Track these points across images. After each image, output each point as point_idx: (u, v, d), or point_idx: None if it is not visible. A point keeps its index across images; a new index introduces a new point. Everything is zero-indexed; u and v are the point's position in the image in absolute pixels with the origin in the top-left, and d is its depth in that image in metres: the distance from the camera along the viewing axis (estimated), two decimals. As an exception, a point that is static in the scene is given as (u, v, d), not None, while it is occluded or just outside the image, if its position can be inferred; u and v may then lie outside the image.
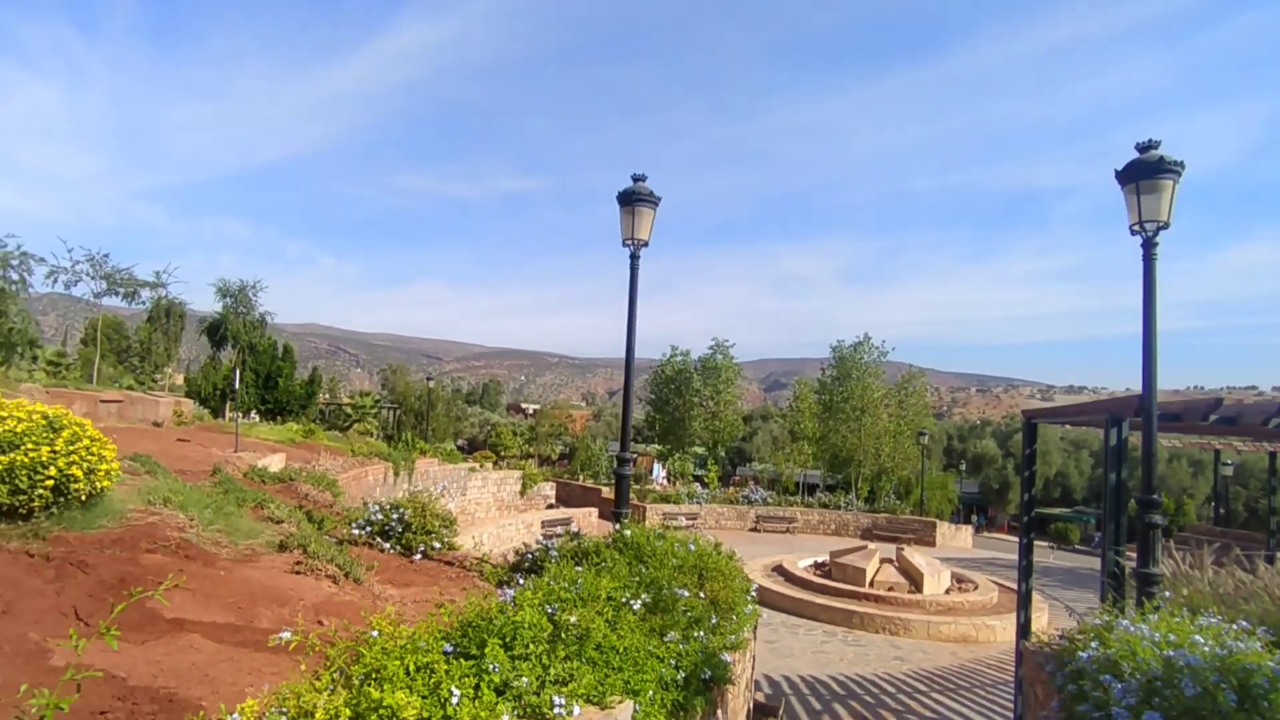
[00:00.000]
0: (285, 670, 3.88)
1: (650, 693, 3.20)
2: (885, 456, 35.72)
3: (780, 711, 8.73)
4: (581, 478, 35.45)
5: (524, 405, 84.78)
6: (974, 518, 49.35)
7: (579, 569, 4.13)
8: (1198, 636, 3.55)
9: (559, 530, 22.98)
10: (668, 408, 40.64)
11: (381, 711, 2.15)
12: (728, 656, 4.67)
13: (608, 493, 29.74)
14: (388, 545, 7.48)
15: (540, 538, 7.38)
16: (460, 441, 53.91)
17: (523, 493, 25.39)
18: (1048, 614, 15.86)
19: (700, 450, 44.80)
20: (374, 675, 2.33)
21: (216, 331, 25.49)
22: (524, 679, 2.61)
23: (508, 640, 2.76)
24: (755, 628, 6.41)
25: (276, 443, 18.18)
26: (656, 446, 43.33)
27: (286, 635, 2.48)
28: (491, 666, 2.57)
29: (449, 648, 2.65)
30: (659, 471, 45.40)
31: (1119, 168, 5.86)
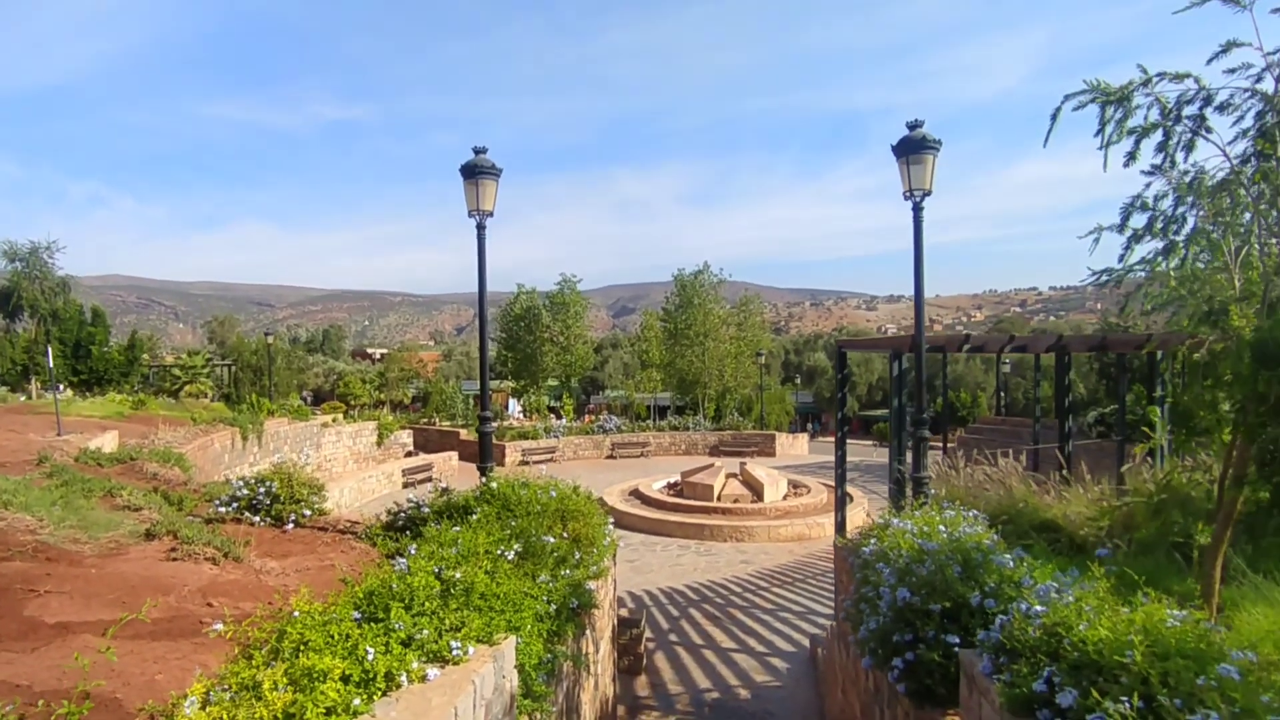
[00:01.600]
0: (188, 654, 4.20)
1: (529, 626, 3.90)
2: (728, 377, 38.24)
3: (642, 622, 9.84)
4: (438, 421, 35.27)
5: (370, 350, 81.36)
6: (809, 425, 53.98)
7: (456, 529, 4.70)
8: (941, 526, 4.70)
9: (420, 478, 23.14)
10: (519, 345, 40.92)
11: (314, 674, 2.67)
12: (591, 585, 5.47)
13: (466, 435, 29.94)
14: (257, 519, 7.61)
15: (409, 494, 7.72)
16: (305, 394, 51.42)
17: (379, 443, 25.11)
18: (867, 506, 18.21)
19: (554, 383, 45.62)
20: (301, 646, 2.83)
21: (8, 301, 22.57)
22: (425, 631, 3.20)
23: (407, 602, 3.32)
24: (614, 555, 7.27)
25: (104, 419, 16.85)
26: (510, 383, 43.63)
27: (219, 627, 2.91)
28: (397, 625, 3.13)
29: (357, 615, 3.18)
30: (514, 407, 45.83)
31: (895, 143, 6.94)
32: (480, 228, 7.41)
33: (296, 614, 2.96)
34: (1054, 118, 4.18)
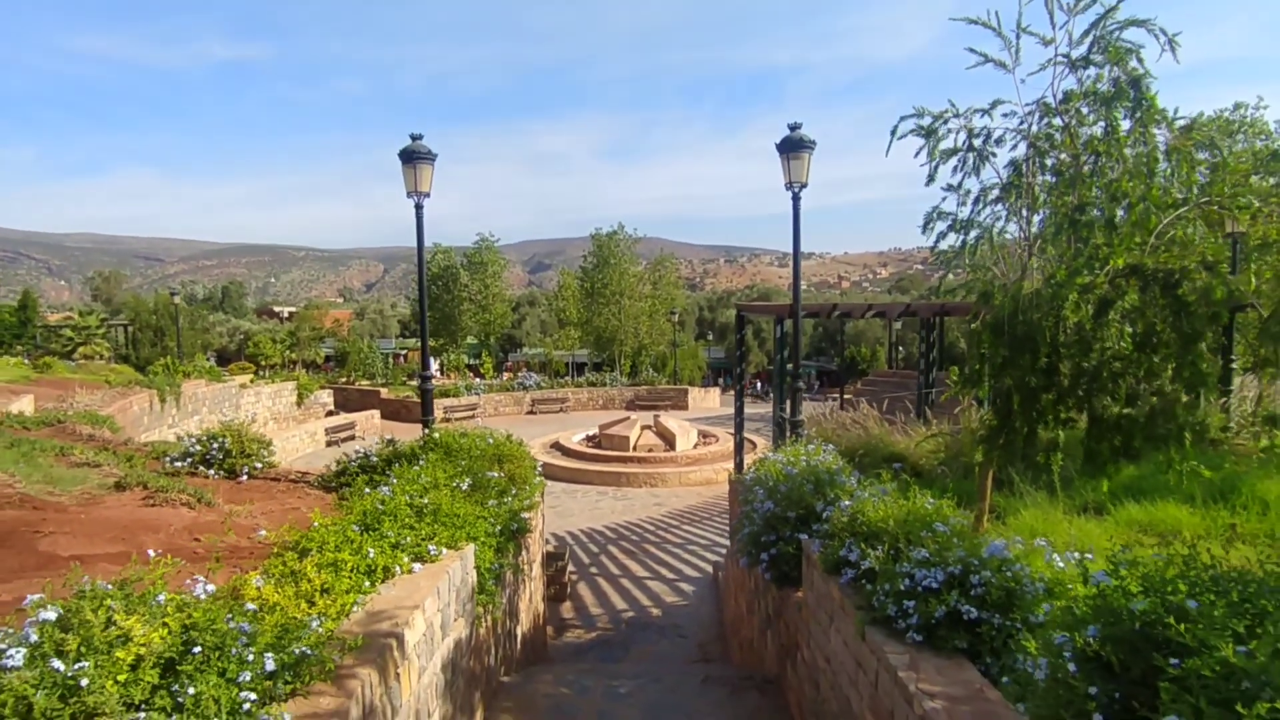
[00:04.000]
0: (196, 573, 5.09)
1: (482, 539, 5.00)
2: (644, 334, 39.66)
3: (566, 556, 11.08)
4: (356, 380, 35.25)
5: (276, 308, 78.57)
6: (721, 380, 56.25)
7: (416, 468, 5.71)
8: (803, 457, 6.02)
9: (343, 436, 23.53)
10: (438, 304, 41.02)
11: (336, 564, 3.69)
12: (526, 515, 6.58)
13: (387, 393, 30.27)
14: (212, 472, 8.32)
15: (354, 448, 8.53)
16: (209, 354, 49.75)
17: (299, 403, 25.25)
18: (768, 450, 19.97)
19: (473, 341, 45.96)
20: (322, 546, 3.84)
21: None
22: (408, 539, 4.26)
23: (394, 518, 4.36)
24: (542, 493, 8.40)
25: (10, 383, 16.60)
26: (429, 341, 43.70)
27: (263, 533, 3.87)
28: (388, 534, 4.17)
29: (357, 527, 4.20)
30: (433, 365, 45.88)
31: (778, 141, 8.12)
32: (419, 208, 8.22)
33: (316, 524, 3.96)
34: (893, 134, 5.42)
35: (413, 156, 8.04)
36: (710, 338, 59.99)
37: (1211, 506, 6.07)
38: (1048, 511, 6.19)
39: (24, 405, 13.51)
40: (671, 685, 5.80)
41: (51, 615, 2.11)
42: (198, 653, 2.21)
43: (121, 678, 2.03)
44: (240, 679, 2.27)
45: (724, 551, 12.52)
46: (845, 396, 23.08)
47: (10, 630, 2.12)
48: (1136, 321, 4.30)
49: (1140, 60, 4.59)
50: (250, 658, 2.37)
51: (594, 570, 12.24)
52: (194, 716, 2.08)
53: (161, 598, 2.36)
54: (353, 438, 22.65)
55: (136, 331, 42.16)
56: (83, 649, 2.04)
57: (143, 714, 1.99)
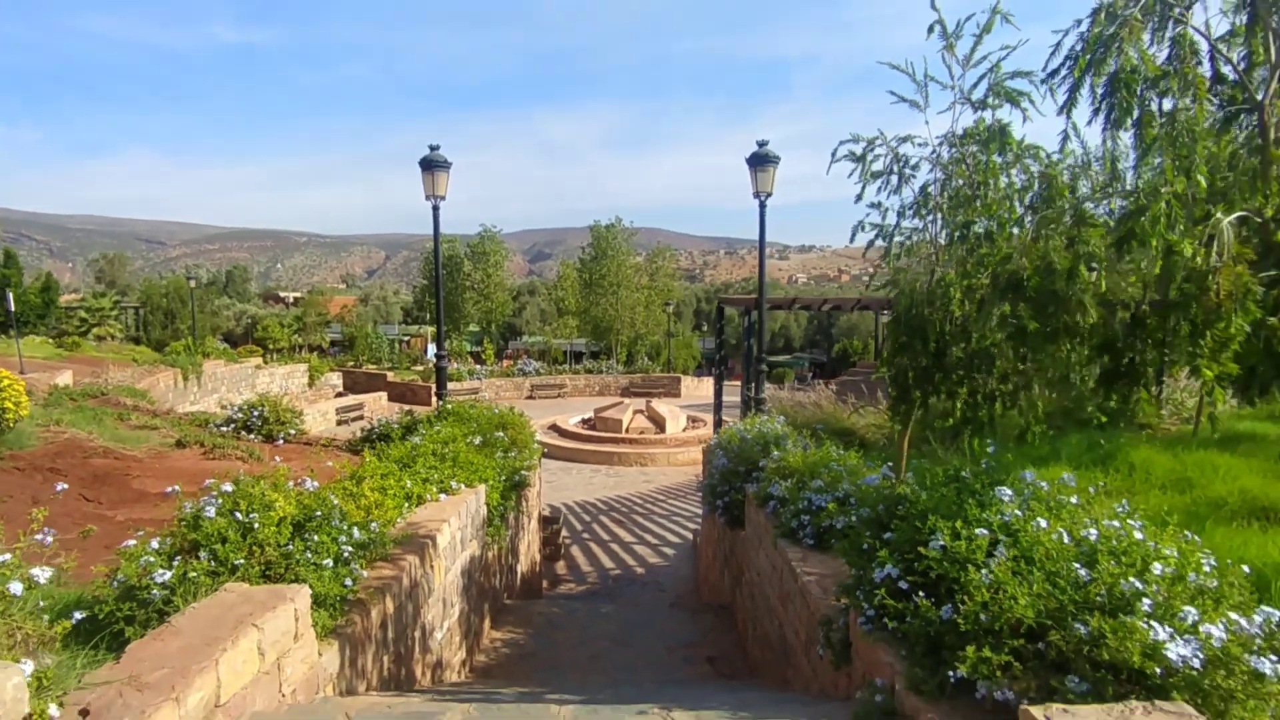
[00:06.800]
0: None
1: (492, 481, 6.22)
2: (640, 324, 40.87)
3: (560, 520, 12.31)
4: (364, 364, 36.44)
5: (281, 293, 79.72)
6: (714, 369, 57.62)
7: (437, 428, 6.93)
8: (758, 425, 7.24)
9: (353, 416, 24.70)
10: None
11: (384, 489, 4.91)
12: (525, 472, 7.81)
13: (393, 377, 31.49)
14: (252, 436, 9.54)
15: (365, 424, 9.72)
16: (218, 337, 50.94)
17: (311, 384, 26.45)
18: (754, 437, 21.19)
19: (475, 329, 47.14)
20: (370, 476, 5.05)
21: (-73, 244, 22.37)
22: (435, 475, 5.48)
23: (424, 460, 5.58)
24: (540, 459, 9.61)
25: (46, 359, 17.88)
26: (430, 328, 44.89)
27: (330, 464, 5.08)
28: (420, 470, 5.40)
29: (397, 465, 5.42)
30: (434, 351, 47.08)
31: (747, 156, 9.30)
32: (435, 209, 9.41)
33: (367, 460, 5.18)
34: (832, 156, 6.62)
35: (431, 165, 9.21)
36: (704, 328, 61.21)
37: (1092, 469, 7.31)
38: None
39: (65, 379, 14.66)
40: (645, 611, 7.04)
41: (229, 488, 3.33)
42: (318, 517, 3.44)
43: (272, 528, 3.25)
44: (340, 540, 3.49)
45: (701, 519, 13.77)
46: (832, 386, 24.28)
47: (196, 500, 3.34)
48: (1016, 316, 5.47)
49: (1033, 101, 5.78)
50: (346, 528, 3.59)
51: (586, 536, 13.47)
52: (316, 555, 3.30)
53: (291, 485, 3.58)
54: (361, 417, 23.81)
55: (147, 314, 43.33)
56: (250, 508, 3.26)
57: (290, 547, 3.20)
